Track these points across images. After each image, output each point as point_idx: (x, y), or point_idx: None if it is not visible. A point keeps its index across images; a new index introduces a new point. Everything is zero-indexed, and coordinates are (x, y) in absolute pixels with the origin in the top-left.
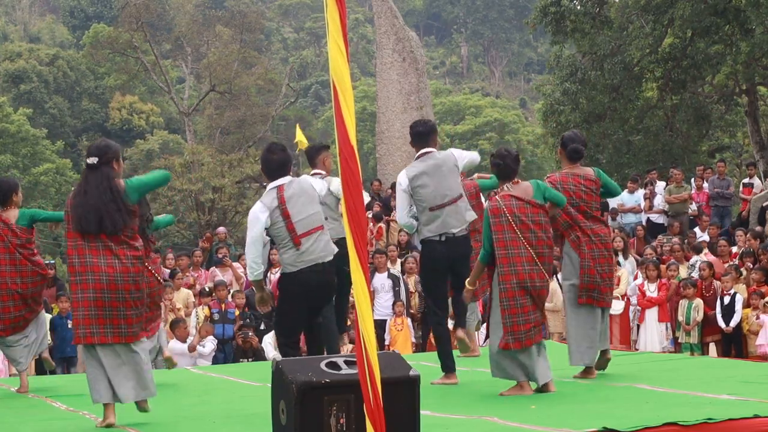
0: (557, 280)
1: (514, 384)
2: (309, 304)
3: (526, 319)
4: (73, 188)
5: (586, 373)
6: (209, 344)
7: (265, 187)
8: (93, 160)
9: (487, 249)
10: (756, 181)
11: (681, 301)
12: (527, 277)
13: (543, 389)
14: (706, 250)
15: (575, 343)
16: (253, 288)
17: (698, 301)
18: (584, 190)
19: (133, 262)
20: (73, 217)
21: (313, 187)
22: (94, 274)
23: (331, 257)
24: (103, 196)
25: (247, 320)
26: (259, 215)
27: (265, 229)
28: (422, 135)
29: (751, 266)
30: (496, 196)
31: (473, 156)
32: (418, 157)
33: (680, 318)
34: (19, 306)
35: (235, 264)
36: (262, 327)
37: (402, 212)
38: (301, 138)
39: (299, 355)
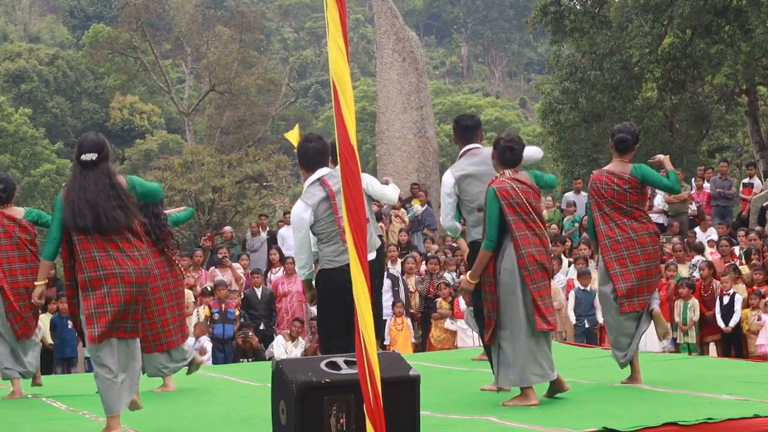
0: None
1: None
2: (350, 302)
3: (551, 301)
4: (63, 185)
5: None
6: (205, 343)
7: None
8: (91, 156)
9: (493, 237)
10: (756, 181)
11: (677, 302)
12: (545, 258)
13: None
14: (713, 249)
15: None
16: (305, 288)
17: (694, 301)
18: (616, 189)
19: (141, 254)
20: (67, 213)
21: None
22: (105, 268)
23: (374, 254)
24: (101, 194)
25: (242, 320)
26: (302, 215)
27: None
28: (469, 129)
29: (757, 265)
30: (502, 179)
31: (533, 152)
32: (463, 154)
33: (676, 318)
34: (23, 307)
35: (235, 264)
36: (262, 327)
37: (446, 216)
38: (294, 137)
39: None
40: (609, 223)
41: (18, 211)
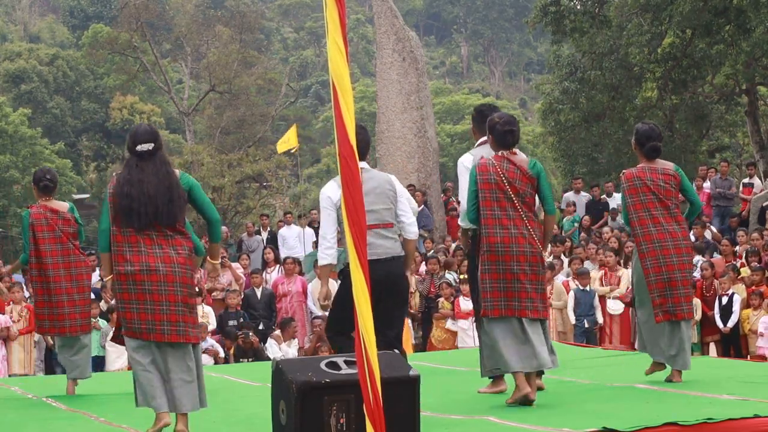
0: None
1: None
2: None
3: (507, 286)
4: (114, 175)
5: (657, 366)
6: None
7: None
8: (147, 146)
9: (469, 212)
10: (756, 181)
11: None
12: (519, 241)
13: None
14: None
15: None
16: (318, 276)
17: (696, 301)
18: (662, 185)
19: (189, 253)
20: (121, 206)
21: (392, 184)
22: (150, 264)
23: (398, 254)
24: (161, 186)
25: (242, 320)
26: (330, 195)
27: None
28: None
29: (758, 265)
30: (489, 157)
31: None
32: (482, 144)
33: None
34: (73, 301)
35: (234, 264)
36: (261, 327)
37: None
38: (292, 139)
39: (348, 342)
40: (649, 225)
41: (61, 205)
